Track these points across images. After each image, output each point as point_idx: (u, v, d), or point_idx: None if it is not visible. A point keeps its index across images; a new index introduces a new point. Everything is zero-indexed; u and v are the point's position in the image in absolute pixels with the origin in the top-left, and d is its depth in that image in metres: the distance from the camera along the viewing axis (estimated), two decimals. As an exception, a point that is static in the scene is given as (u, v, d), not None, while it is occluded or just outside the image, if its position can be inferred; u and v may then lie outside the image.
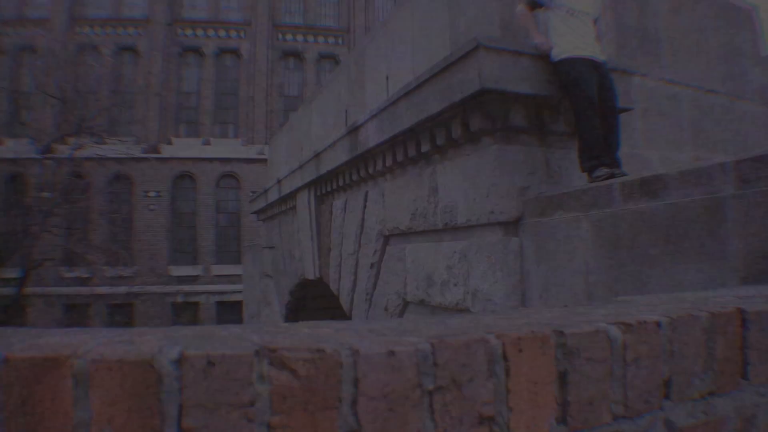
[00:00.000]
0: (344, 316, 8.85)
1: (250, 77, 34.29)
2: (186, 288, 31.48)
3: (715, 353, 1.36)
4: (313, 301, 12.46)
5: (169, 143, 32.71)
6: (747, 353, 1.43)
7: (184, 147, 32.69)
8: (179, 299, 31.41)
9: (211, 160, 32.62)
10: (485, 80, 4.64)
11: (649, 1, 6.96)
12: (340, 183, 8.80)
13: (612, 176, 4.50)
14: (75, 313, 29.43)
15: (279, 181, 12.60)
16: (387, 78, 7.65)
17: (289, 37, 35.50)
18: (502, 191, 4.86)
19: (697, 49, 7.36)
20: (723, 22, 7.83)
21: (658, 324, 1.23)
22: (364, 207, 7.93)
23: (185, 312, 31.21)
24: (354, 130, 7.50)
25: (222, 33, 34.57)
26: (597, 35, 5.38)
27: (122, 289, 29.77)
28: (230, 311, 30.71)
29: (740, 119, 7.54)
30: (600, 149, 4.82)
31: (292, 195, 11.76)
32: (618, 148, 5.02)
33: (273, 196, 13.35)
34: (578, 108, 4.85)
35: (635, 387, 1.19)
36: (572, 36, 5.02)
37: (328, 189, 9.47)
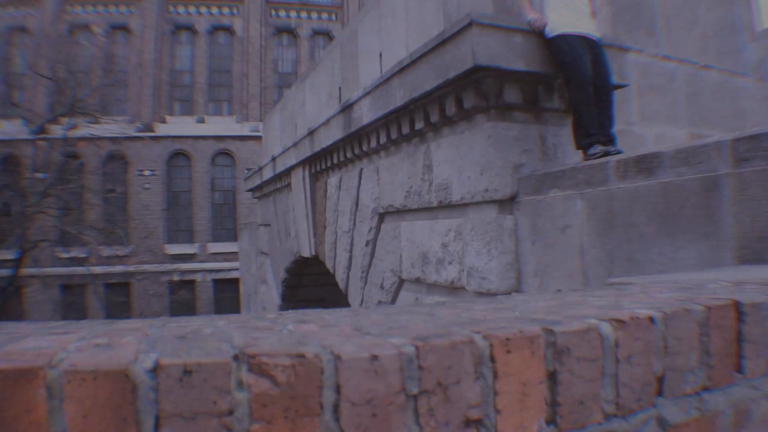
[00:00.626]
0: (340, 291, 8.85)
1: (244, 54, 34.09)
2: (182, 266, 31.51)
3: (709, 347, 1.33)
4: (309, 278, 12.47)
5: (163, 122, 32.58)
6: (742, 347, 1.41)
7: (178, 125, 32.57)
8: (176, 278, 31.45)
9: (205, 138, 32.52)
10: (479, 57, 4.60)
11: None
12: (335, 160, 8.76)
13: (607, 154, 4.47)
14: (72, 293, 29.48)
15: (273, 159, 12.56)
16: (380, 55, 7.59)
17: (282, 13, 35.26)
18: (496, 169, 4.83)
19: (693, 24, 7.31)
20: (717, -2, 7.79)
21: (652, 319, 1.21)
22: (359, 185, 7.90)
23: (182, 290, 31.28)
24: (348, 107, 7.46)
25: (214, 10, 34.28)
26: (592, 11, 5.34)
27: (119, 269, 29.81)
28: (227, 289, 30.80)
29: (736, 95, 7.50)
30: (595, 126, 4.79)
31: (287, 172, 11.73)
32: (612, 125, 4.99)
33: (268, 173, 13.32)
34: (572, 85, 4.82)
35: (627, 385, 1.16)
36: (566, 12, 4.98)
37: (323, 166, 9.43)
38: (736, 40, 7.84)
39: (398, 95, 5.90)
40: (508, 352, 1.00)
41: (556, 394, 1.06)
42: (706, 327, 1.33)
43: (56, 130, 27.74)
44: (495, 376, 0.99)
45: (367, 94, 6.72)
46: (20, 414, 0.76)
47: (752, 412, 1.41)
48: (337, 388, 0.84)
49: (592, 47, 4.98)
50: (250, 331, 1.03)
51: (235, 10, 34.51)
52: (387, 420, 0.87)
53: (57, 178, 26.88)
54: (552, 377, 1.06)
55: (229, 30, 34.46)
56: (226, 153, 33.00)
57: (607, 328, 1.14)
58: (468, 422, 0.95)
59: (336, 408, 0.84)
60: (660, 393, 1.23)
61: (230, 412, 0.80)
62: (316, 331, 1.04)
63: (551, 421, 1.05)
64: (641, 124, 6.37)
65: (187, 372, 0.79)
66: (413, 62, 5.53)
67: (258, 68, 34.07)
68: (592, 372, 1.11)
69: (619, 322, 1.16)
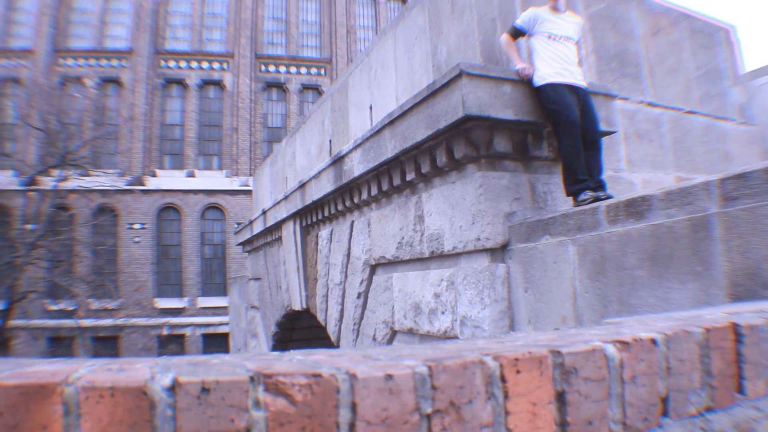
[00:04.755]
0: (331, 347, 8.78)
1: (234, 108, 34.34)
2: (172, 320, 31.24)
3: (710, 368, 1.35)
4: (300, 332, 12.39)
5: (154, 175, 32.61)
6: (742, 367, 1.42)
7: (168, 179, 32.62)
8: (165, 332, 31.14)
9: (195, 192, 32.56)
10: (469, 107, 4.66)
11: (627, 25, 7.03)
12: (326, 213, 8.77)
13: (597, 199, 4.52)
14: (60, 346, 29.08)
15: (264, 212, 12.57)
16: (370, 107, 7.66)
17: (271, 68, 35.64)
18: (487, 217, 4.86)
19: (677, 70, 7.43)
20: (701, 43, 7.92)
21: (654, 341, 1.23)
22: (350, 237, 7.91)
23: (171, 344, 30.92)
24: (338, 159, 7.50)
25: (205, 64, 34.63)
26: (579, 60, 5.44)
27: (108, 322, 29.47)
28: (217, 343, 30.50)
29: (722, 138, 7.60)
30: (584, 173, 4.85)
31: (278, 226, 11.73)
32: (602, 171, 5.05)
33: (258, 227, 13.31)
34: (561, 133, 4.89)
35: (634, 405, 1.18)
36: (554, 61, 5.08)
37: (314, 219, 9.44)
38: (720, 84, 7.96)
39: (389, 146, 5.95)
40: (518, 372, 1.02)
41: (566, 413, 1.07)
42: (707, 348, 1.35)
43: (47, 182, 27.69)
44: (506, 396, 1.01)
45: (357, 146, 6.77)
46: (36, 430, 0.76)
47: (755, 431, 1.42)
48: (353, 407, 0.85)
49: (580, 95, 5.07)
50: (261, 360, 1.04)
51: (225, 65, 34.87)
52: (402, 438, 0.88)
53: (47, 230, 26.74)
54: (561, 397, 1.08)
55: (219, 84, 34.76)
56: (216, 207, 33.00)
57: (611, 350, 1.16)
58: (481, 441, 0.96)
59: (352, 427, 0.85)
60: (665, 413, 1.24)
61: (248, 430, 0.80)
62: (326, 359, 1.05)
63: (562, 440, 1.07)
64: (629, 169, 6.43)
65: (205, 390, 0.80)
66: (404, 113, 5.59)
67: (248, 122, 34.27)
68: (599, 392, 1.12)
69: (623, 344, 1.17)
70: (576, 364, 1.09)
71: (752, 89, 12.29)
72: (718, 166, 7.20)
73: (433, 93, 5.09)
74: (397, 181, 6.22)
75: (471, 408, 0.96)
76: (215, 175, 33.55)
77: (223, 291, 30.87)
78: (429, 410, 0.91)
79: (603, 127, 5.38)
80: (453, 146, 5.14)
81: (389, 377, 0.88)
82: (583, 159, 4.90)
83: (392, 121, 5.84)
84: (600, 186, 4.93)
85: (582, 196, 4.73)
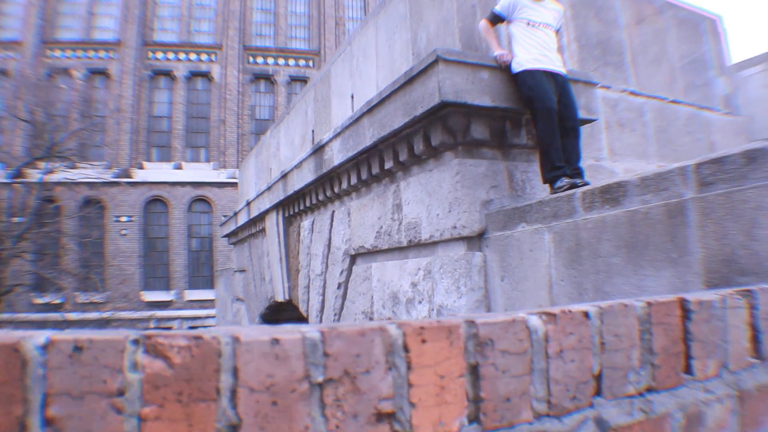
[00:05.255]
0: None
1: (222, 100, 34.18)
2: (159, 313, 31.10)
3: (652, 346, 1.28)
4: (283, 323, 12.33)
5: (141, 167, 32.45)
6: (690, 345, 1.36)
7: (155, 171, 32.45)
8: (152, 325, 30.98)
9: (183, 184, 32.39)
10: (445, 93, 4.60)
11: (611, 13, 6.97)
12: (308, 203, 8.71)
13: (573, 186, 4.46)
14: (46, 341, 28.92)
15: (248, 203, 12.51)
16: (352, 96, 7.60)
17: (260, 59, 35.47)
18: (464, 205, 4.81)
19: (661, 59, 7.37)
20: (687, 33, 7.86)
21: (586, 314, 1.17)
22: (331, 227, 7.86)
23: (158, 338, 30.80)
24: (319, 149, 7.44)
25: (193, 56, 34.44)
26: (559, 47, 5.39)
27: (94, 315, 29.32)
28: (204, 336, 30.37)
29: (707, 128, 7.55)
30: (561, 160, 4.79)
31: (261, 217, 11.67)
32: (579, 158, 5.00)
33: (243, 218, 13.26)
34: (538, 119, 4.83)
35: (561, 382, 1.10)
36: (532, 48, 5.02)
37: (296, 210, 9.39)
38: (705, 74, 7.91)
39: (368, 135, 5.89)
40: (424, 341, 0.95)
41: (479, 389, 1.00)
42: (648, 324, 1.28)
43: (33, 174, 27.55)
44: (409, 367, 0.94)
45: (337, 135, 6.70)
46: None
47: (705, 416, 1.35)
48: (235, 372, 0.79)
49: (558, 82, 5.01)
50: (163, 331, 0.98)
51: (213, 57, 34.69)
52: (289, 409, 0.82)
53: (33, 222, 26.59)
54: (474, 371, 1.01)
55: (207, 76, 34.57)
56: (203, 200, 32.84)
57: (535, 321, 1.09)
58: (380, 416, 0.89)
59: (234, 393, 0.79)
60: (599, 393, 1.17)
61: (121, 393, 0.75)
62: (236, 329, 0.99)
63: (475, 418, 1.00)
64: (611, 159, 6.38)
65: (78, 348, 0.74)
66: (382, 101, 5.53)
67: (236, 114, 34.12)
68: (519, 367, 1.06)
69: (550, 316, 1.11)
70: (492, 335, 1.03)
71: (739, 80, 12.29)
72: (702, 155, 7.15)
73: (410, 80, 5.03)
74: (376, 170, 6.16)
75: (368, 378, 0.89)
76: (202, 167, 33.39)
77: (210, 284, 30.77)
78: (320, 379, 0.85)
79: (583, 114, 5.33)
80: (430, 133, 5.08)
81: (275, 341, 0.82)
82: (560, 146, 4.84)
83: (371, 109, 5.78)
84: (578, 173, 4.87)
85: (558, 183, 4.67)
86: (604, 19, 6.85)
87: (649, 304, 1.29)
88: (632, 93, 6.82)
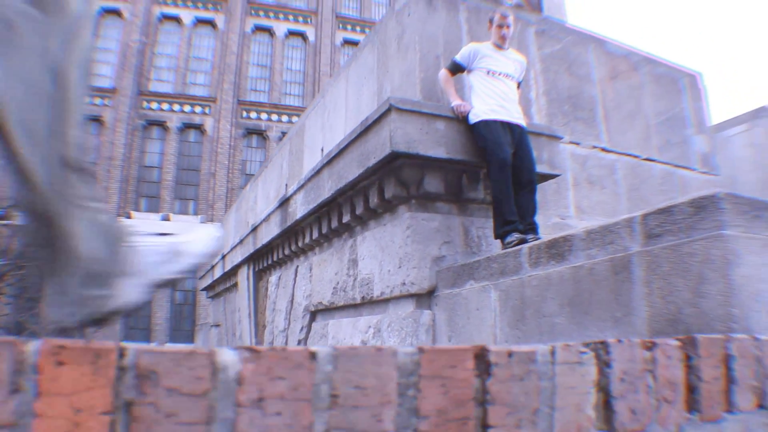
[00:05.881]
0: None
1: (213, 153, 34.09)
2: (140, 367, 30.59)
3: (418, 406, 0.96)
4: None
5: (129, 217, 32.17)
6: (487, 410, 1.03)
7: (143, 221, 32.16)
8: (133, 379, 30.47)
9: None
10: (396, 144, 4.37)
11: (584, 68, 6.75)
12: (275, 257, 8.48)
13: (524, 242, 4.16)
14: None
15: (223, 257, 12.29)
16: (322, 149, 7.38)
17: (253, 114, 35.49)
18: (413, 261, 4.52)
19: (636, 115, 7.12)
20: (664, 89, 7.61)
21: (313, 355, 0.86)
22: (294, 282, 7.60)
23: (139, 392, 30.27)
24: (285, 201, 7.24)
25: (187, 108, 34.45)
26: (523, 99, 5.16)
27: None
28: (186, 392, 29.86)
29: (683, 187, 7.26)
30: (513, 214, 4.49)
31: (234, 271, 11.42)
32: (535, 212, 4.71)
33: (218, 272, 13.03)
34: (491, 171, 4.56)
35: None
36: (489, 98, 4.78)
37: (265, 264, 9.16)
38: (683, 131, 7.64)
39: (327, 187, 5.68)
40: (60, 363, 0.69)
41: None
42: (415, 377, 0.96)
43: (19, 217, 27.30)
44: (38, 392, 0.69)
45: (300, 187, 6.50)
46: None
47: None
48: None
49: (516, 134, 4.75)
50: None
51: (207, 109, 34.72)
52: None
53: (13, 266, 26.23)
54: (127, 409, 0.72)
55: (200, 128, 34.55)
56: (189, 252, 32.48)
57: (229, 357, 0.79)
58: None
59: None
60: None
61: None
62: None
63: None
64: (578, 217, 6.09)
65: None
66: (340, 152, 5.34)
67: (226, 168, 33.99)
68: (194, 413, 0.76)
69: (254, 353, 0.81)
70: (158, 367, 0.74)
71: (722, 140, 12.12)
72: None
73: (365, 130, 4.81)
74: (335, 224, 5.92)
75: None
76: (190, 219, 33.10)
77: (191, 338, 30.33)
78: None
79: (546, 169, 5.07)
80: (384, 186, 4.83)
81: None
82: (514, 200, 4.55)
83: (330, 161, 5.57)
84: (531, 228, 4.57)
85: (508, 238, 4.36)
86: (576, 74, 6.63)
87: (421, 350, 0.97)
88: (603, 149, 6.56)
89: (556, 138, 5.30)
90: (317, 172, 5.94)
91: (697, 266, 2.48)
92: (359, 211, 5.30)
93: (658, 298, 2.67)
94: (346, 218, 5.61)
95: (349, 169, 5.12)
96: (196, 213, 33.59)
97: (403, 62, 5.61)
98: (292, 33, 37.92)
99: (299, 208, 6.58)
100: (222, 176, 33.86)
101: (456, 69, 5.06)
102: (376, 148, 4.60)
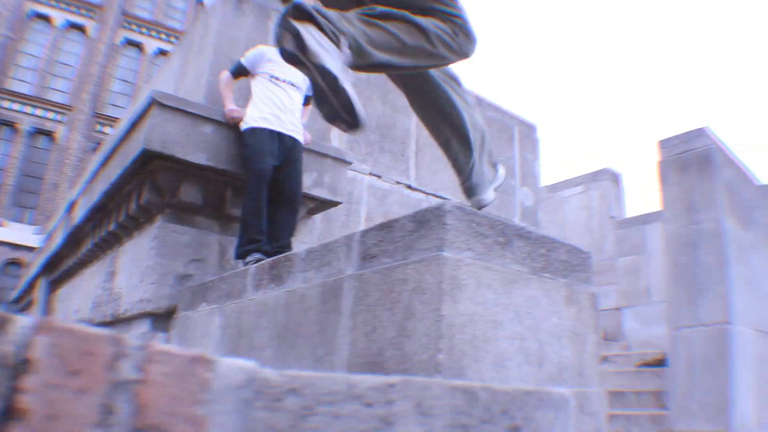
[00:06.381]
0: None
1: (60, 164, 32.37)
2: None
3: None
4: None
5: (-40, 220, 30.18)
6: None
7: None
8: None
9: (1, 243, 30.14)
10: (150, 141, 3.89)
11: (401, 99, 6.36)
12: (64, 268, 7.73)
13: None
14: None
15: (29, 267, 11.40)
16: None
17: (108, 129, 33.76)
18: (153, 276, 3.97)
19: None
20: (494, 135, 7.32)
21: None
22: (73, 295, 6.91)
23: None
24: (72, 207, 6.62)
25: (41, 112, 32.70)
26: (304, 111, 4.70)
27: None
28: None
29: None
30: (261, 233, 3.98)
31: (32, 285, 10.52)
32: (291, 234, 4.22)
33: (22, 285, 12.10)
34: (249, 183, 4.06)
35: None
36: (264, 105, 4.28)
37: (57, 277, 8.37)
38: (507, 181, 7.39)
39: (97, 189, 5.09)
40: None
41: None
42: None
43: None
44: None
45: (82, 192, 5.90)
46: None
47: None
48: None
49: (287, 147, 4.28)
50: None
51: (62, 117, 33.07)
52: None
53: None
54: None
55: (51, 135, 32.84)
56: (17, 262, 30.43)
57: None
58: None
59: None
60: None
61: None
62: None
63: None
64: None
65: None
66: (113, 151, 4.80)
67: (70, 181, 32.26)
68: None
69: None
70: None
71: (556, 200, 12.16)
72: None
73: (132, 126, 4.31)
74: (106, 232, 5.30)
75: None
76: (24, 228, 31.15)
77: None
78: None
79: (325, 194, 4.64)
80: (142, 191, 4.29)
81: None
82: (270, 217, 4.07)
83: (105, 161, 5.02)
84: (282, 251, 4.08)
85: (248, 258, 3.86)
86: (392, 104, 6.23)
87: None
88: (409, 187, 6.17)
89: (343, 162, 4.85)
90: (95, 174, 5.37)
91: (408, 296, 1.96)
92: (121, 218, 4.73)
93: (361, 335, 2.16)
94: (112, 226, 5.02)
95: (114, 170, 4.59)
96: (33, 223, 31.66)
97: (197, 65, 5.19)
98: (163, 52, 36.85)
99: (78, 214, 5.97)
100: (65, 188, 31.98)
101: (240, 71, 4.54)
102: (136, 147, 4.08)
